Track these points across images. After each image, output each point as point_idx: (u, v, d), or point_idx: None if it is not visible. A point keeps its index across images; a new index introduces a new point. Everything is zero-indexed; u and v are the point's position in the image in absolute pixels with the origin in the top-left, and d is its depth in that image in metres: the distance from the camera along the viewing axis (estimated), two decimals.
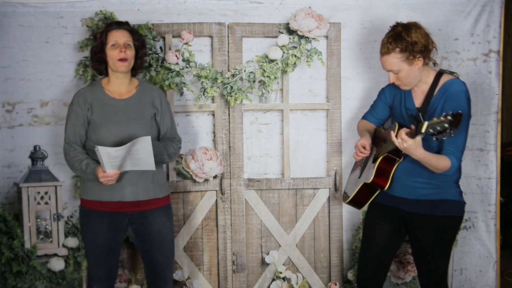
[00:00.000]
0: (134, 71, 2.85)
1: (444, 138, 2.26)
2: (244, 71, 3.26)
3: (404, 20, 2.68)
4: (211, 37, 3.32)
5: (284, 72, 3.30)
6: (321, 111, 3.43)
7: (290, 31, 3.29)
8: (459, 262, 3.46)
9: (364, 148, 2.80)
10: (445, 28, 3.36)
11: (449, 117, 2.22)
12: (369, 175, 2.71)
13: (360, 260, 2.92)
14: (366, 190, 2.79)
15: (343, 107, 3.38)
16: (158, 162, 2.76)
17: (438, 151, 2.56)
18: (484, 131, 3.41)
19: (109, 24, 2.81)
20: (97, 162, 2.66)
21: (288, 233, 3.43)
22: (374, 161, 2.72)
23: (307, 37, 3.25)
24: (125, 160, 2.60)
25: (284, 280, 3.40)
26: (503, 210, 4.01)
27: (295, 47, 3.27)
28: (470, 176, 3.42)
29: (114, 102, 2.77)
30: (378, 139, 2.84)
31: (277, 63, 3.26)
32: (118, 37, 2.74)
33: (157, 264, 2.83)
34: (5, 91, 3.19)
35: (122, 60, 2.72)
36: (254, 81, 3.28)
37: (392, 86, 2.75)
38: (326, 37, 3.35)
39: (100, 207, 2.74)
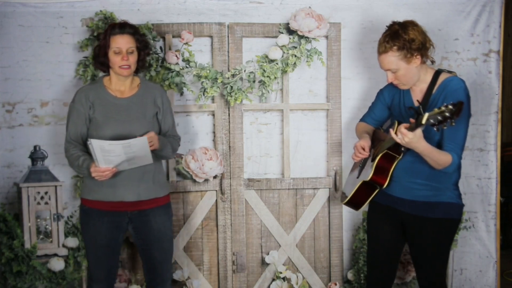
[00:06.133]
0: (136, 70, 2.84)
1: (445, 128, 2.21)
2: (244, 71, 3.26)
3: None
4: (211, 37, 3.31)
5: (284, 72, 3.30)
6: (321, 111, 3.43)
7: (290, 31, 3.28)
8: (459, 262, 3.46)
9: (363, 149, 2.77)
10: (445, 28, 3.36)
11: (450, 106, 2.18)
12: (368, 173, 2.69)
13: (368, 263, 2.91)
14: (364, 189, 2.77)
15: (343, 107, 3.38)
16: (163, 156, 2.83)
17: (438, 148, 2.54)
18: (484, 131, 3.41)
19: (112, 26, 2.76)
20: None
21: (288, 233, 3.43)
22: (373, 160, 2.71)
23: (307, 37, 3.25)
24: (122, 161, 2.60)
25: (284, 280, 3.40)
26: (503, 210, 4.01)
27: (295, 47, 3.27)
28: (470, 176, 3.42)
29: (116, 100, 2.78)
30: (377, 140, 2.83)
31: (277, 63, 3.26)
32: (121, 44, 2.71)
33: (156, 262, 2.84)
34: (5, 91, 3.19)
35: (125, 67, 2.73)
36: (254, 81, 3.28)
37: (391, 86, 2.73)
38: (326, 37, 3.35)
39: (101, 206, 2.75)
